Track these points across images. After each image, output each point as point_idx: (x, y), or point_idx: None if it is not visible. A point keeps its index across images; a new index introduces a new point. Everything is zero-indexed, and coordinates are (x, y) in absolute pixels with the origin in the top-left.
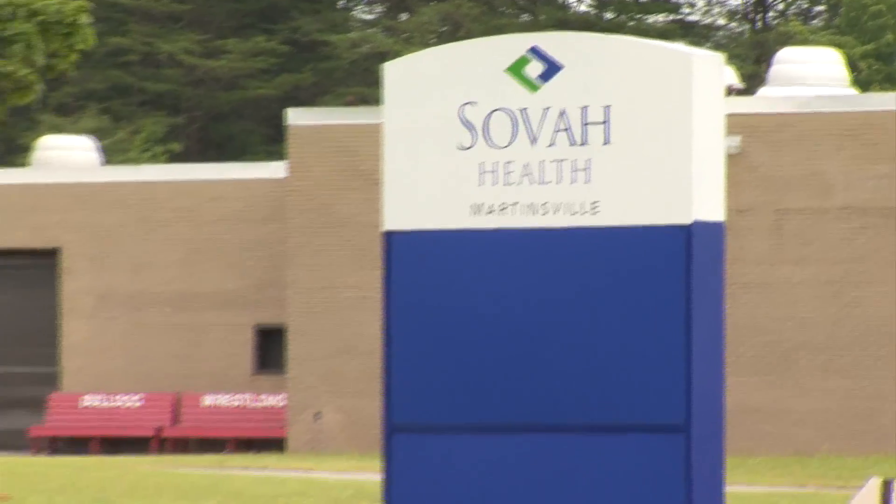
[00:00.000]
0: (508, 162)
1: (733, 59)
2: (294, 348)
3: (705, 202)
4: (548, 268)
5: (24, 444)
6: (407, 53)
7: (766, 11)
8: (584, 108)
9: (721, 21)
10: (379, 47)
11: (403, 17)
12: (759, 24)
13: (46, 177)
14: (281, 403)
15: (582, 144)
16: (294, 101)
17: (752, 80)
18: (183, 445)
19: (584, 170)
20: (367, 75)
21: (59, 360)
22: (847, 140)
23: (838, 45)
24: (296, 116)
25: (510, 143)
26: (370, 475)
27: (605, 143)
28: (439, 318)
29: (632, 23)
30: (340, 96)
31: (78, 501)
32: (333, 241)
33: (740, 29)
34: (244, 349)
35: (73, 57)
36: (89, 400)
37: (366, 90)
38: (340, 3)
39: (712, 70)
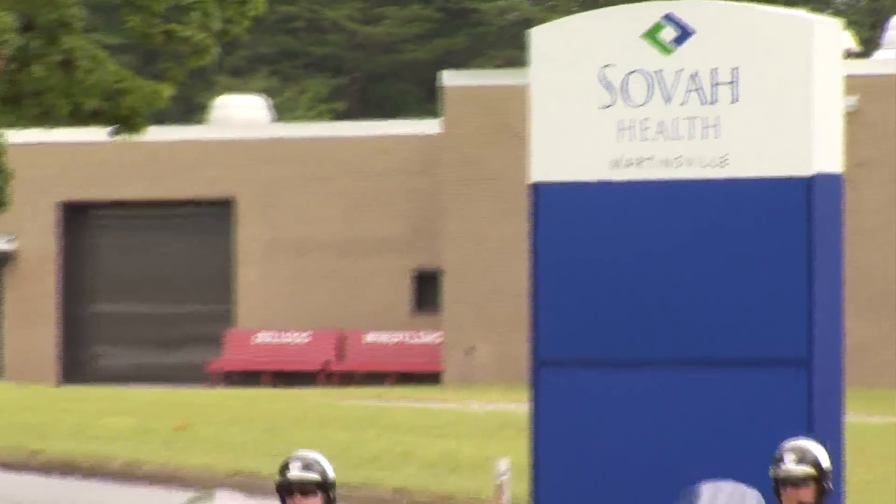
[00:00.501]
0: (644, 119)
1: (851, 24)
2: (449, 290)
3: (825, 156)
4: (681, 216)
5: (201, 378)
6: (551, 20)
7: None
8: (714, 70)
9: None
10: (525, 14)
11: None
12: None
13: (221, 133)
14: (437, 340)
15: (712, 103)
16: (447, 64)
17: (868, 44)
18: (347, 379)
19: (714, 126)
20: (514, 40)
21: (234, 301)
22: None
23: None
24: (449, 78)
25: (646, 102)
26: (518, 406)
27: (733, 102)
28: (581, 262)
29: None
30: (490, 59)
31: (250, 431)
32: (483, 193)
33: None
34: (403, 291)
35: (246, 23)
36: (261, 337)
37: (513, 54)
38: None
39: (831, 35)
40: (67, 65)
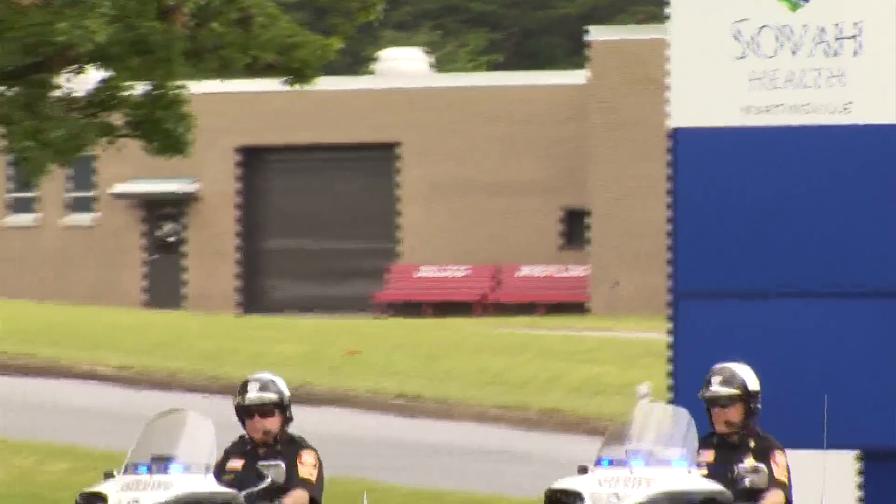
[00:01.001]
0: (774, 70)
1: None
2: (595, 228)
3: None
4: (808, 159)
5: (367, 308)
6: None
7: None
8: (839, 24)
9: None
10: None
11: None
12: None
13: (387, 83)
14: (583, 274)
15: (836, 55)
16: (592, 19)
17: None
18: (500, 309)
19: (839, 76)
20: None
21: (397, 238)
22: None
23: None
24: (595, 32)
25: (776, 54)
26: (657, 335)
27: (856, 55)
28: (716, 200)
29: None
30: (632, 15)
31: (413, 356)
32: (625, 138)
33: None
34: (553, 228)
35: None
36: (423, 271)
37: (654, 9)
38: None
39: None
40: (244, 21)
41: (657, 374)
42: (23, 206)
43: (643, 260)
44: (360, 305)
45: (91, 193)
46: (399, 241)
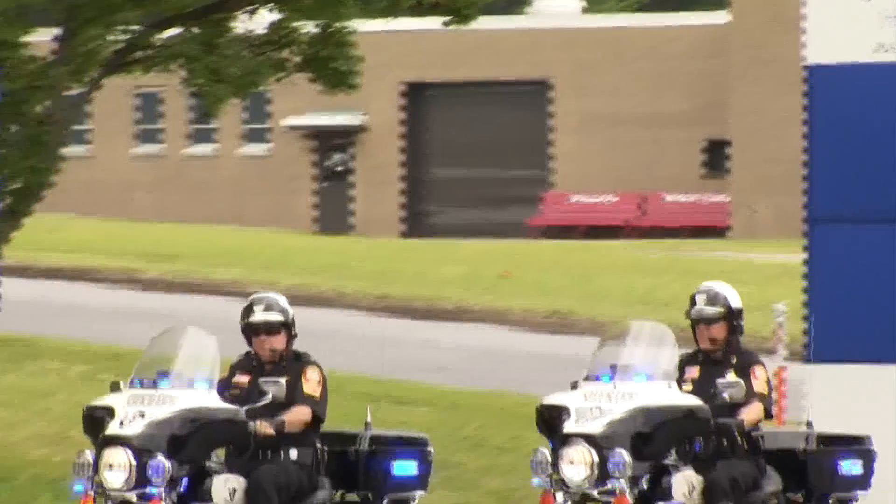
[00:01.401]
0: None
1: None
2: (735, 157)
3: None
4: None
5: (521, 233)
6: None
7: None
8: None
9: None
10: None
11: None
12: None
13: (540, 23)
14: (724, 200)
15: None
16: None
17: None
18: (647, 234)
19: None
20: None
21: (550, 166)
22: None
23: None
24: None
25: None
26: (794, 257)
27: None
28: (848, 131)
29: None
30: None
31: (566, 276)
32: (764, 73)
33: None
34: (696, 157)
35: None
36: (574, 198)
37: None
38: None
39: None
40: None
41: (793, 294)
42: (202, 138)
43: (780, 187)
44: (515, 230)
45: (265, 126)
46: (552, 170)
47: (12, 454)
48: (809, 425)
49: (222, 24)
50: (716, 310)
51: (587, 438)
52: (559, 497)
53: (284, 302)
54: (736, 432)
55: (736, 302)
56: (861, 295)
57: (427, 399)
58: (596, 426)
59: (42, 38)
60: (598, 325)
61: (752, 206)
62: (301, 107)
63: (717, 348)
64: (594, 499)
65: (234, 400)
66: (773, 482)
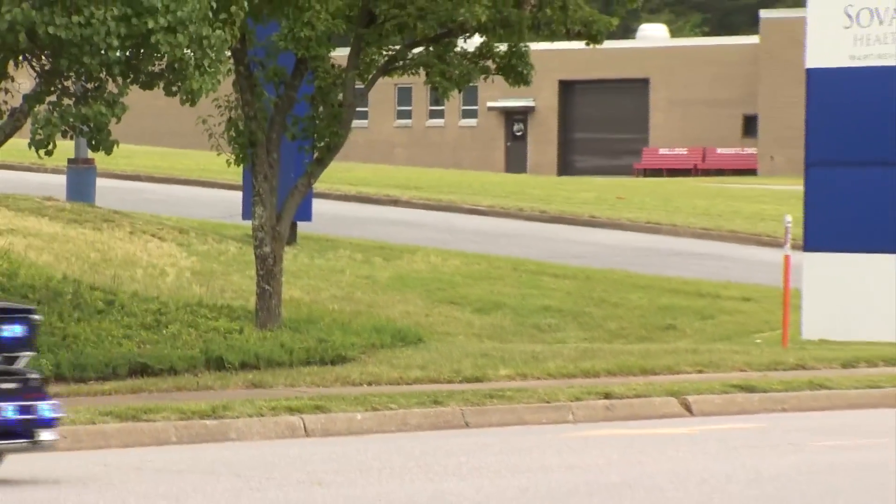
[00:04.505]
0: (868, 35)
1: None
2: (762, 126)
3: None
4: None
5: (629, 172)
6: None
7: None
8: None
9: None
10: None
11: None
12: None
13: (643, 43)
14: (754, 152)
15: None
16: (764, 3)
17: None
18: (706, 173)
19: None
20: None
21: (648, 131)
22: None
23: None
24: (766, 13)
25: (869, 25)
26: (798, 188)
27: None
28: (832, 112)
29: None
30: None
31: (655, 199)
32: (781, 74)
33: None
34: (737, 125)
35: None
36: (662, 151)
37: None
38: None
39: None
40: (564, 7)
41: (796, 210)
42: (436, 114)
43: (790, 144)
44: (626, 171)
45: (475, 107)
46: (648, 134)
47: (320, 307)
48: None
49: (450, 45)
50: None
51: None
52: None
53: None
54: None
55: None
56: (840, 210)
57: (570, 274)
58: None
59: (340, 54)
60: (676, 230)
61: (772, 156)
62: (497, 95)
63: None
64: None
65: None
66: None
